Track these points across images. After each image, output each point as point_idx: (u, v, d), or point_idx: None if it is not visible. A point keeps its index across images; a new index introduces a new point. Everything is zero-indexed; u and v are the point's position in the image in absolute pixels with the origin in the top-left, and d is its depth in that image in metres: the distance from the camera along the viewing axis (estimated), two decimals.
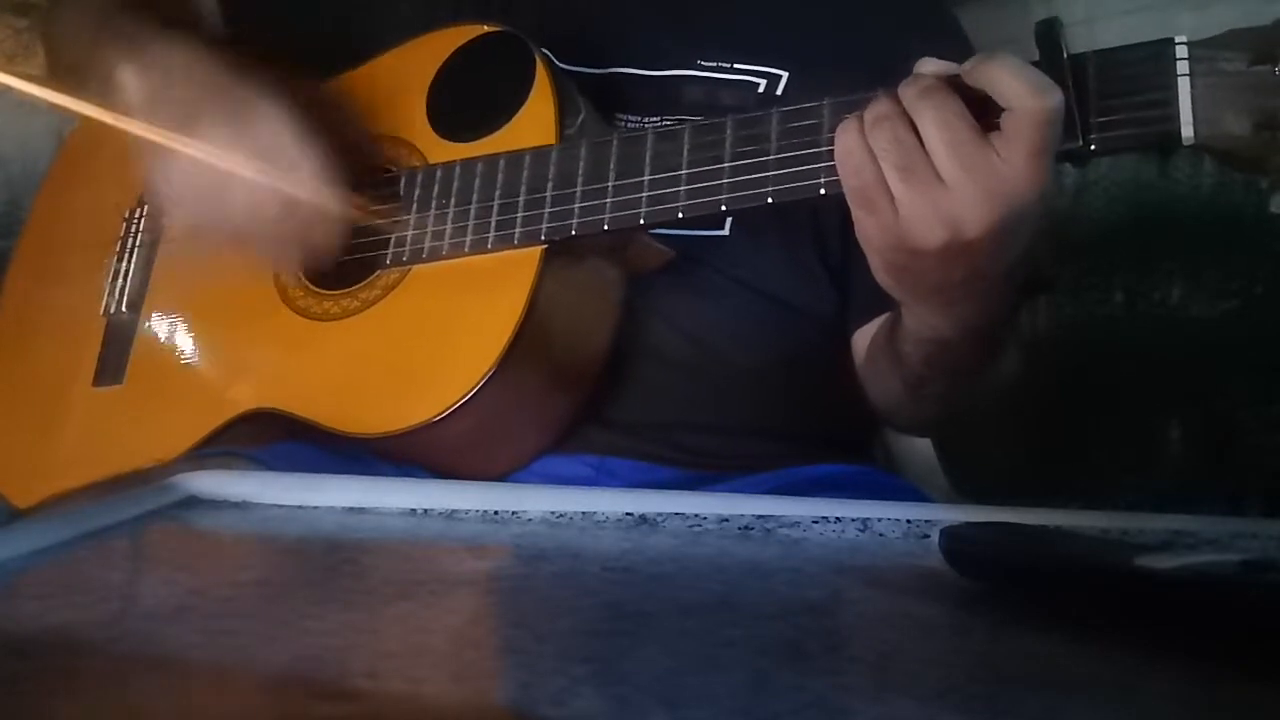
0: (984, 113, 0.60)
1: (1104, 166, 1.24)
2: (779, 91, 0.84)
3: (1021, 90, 0.59)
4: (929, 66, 0.63)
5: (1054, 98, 0.59)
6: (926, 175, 0.60)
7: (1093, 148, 0.62)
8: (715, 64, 0.86)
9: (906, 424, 0.93)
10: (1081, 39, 0.64)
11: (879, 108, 0.61)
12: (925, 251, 0.62)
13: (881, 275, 0.66)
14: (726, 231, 0.83)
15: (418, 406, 0.73)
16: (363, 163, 0.81)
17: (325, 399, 0.77)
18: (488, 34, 0.81)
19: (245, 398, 0.80)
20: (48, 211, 0.99)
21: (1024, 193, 0.60)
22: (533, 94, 0.78)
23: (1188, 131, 0.60)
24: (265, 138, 0.74)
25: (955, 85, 0.61)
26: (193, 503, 0.60)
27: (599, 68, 0.86)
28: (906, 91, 0.61)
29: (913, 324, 0.72)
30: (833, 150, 0.64)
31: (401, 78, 0.84)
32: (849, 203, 0.63)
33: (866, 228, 0.63)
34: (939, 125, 0.60)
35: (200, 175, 0.75)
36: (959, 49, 0.84)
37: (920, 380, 0.77)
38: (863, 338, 0.86)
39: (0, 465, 0.88)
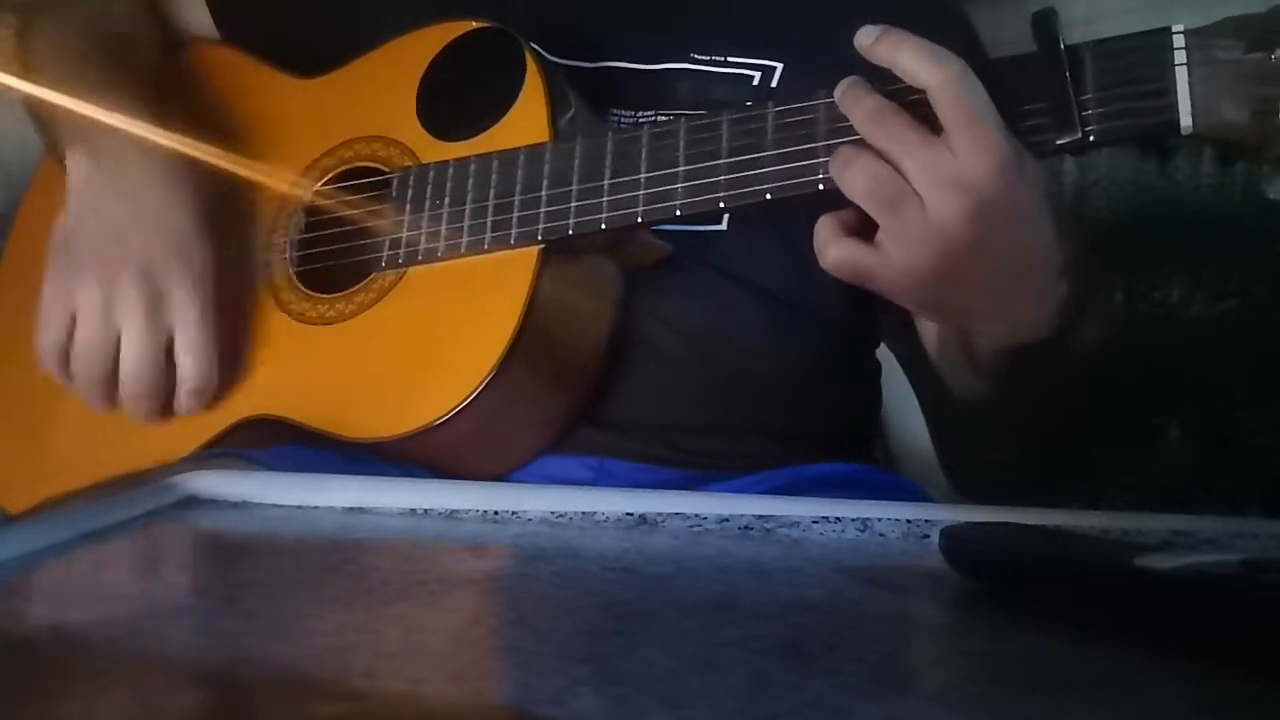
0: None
1: (1104, 166, 1.24)
2: (774, 84, 0.84)
3: (921, 68, 0.61)
4: (866, 37, 0.64)
5: (951, 64, 0.61)
6: (908, 198, 0.61)
7: (1091, 138, 0.62)
8: (709, 57, 0.85)
9: (993, 407, 0.93)
10: (1081, 38, 0.64)
11: (842, 154, 0.63)
12: (928, 278, 0.63)
13: (919, 312, 0.70)
14: (724, 227, 0.83)
15: (418, 410, 0.72)
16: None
17: (324, 404, 0.77)
18: (477, 30, 0.80)
19: (242, 405, 0.79)
20: (36, 212, 0.98)
21: (979, 174, 0.61)
22: (524, 91, 0.77)
23: (1186, 120, 0.60)
24: (165, 312, 0.77)
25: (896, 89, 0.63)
26: (193, 503, 0.60)
27: (592, 62, 0.85)
28: (855, 113, 0.63)
29: (981, 340, 0.72)
30: (830, 144, 0.66)
31: (390, 76, 0.83)
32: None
33: (877, 288, 0.65)
34: (890, 142, 0.62)
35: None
36: (962, 38, 0.84)
37: (1009, 374, 0.76)
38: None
39: None
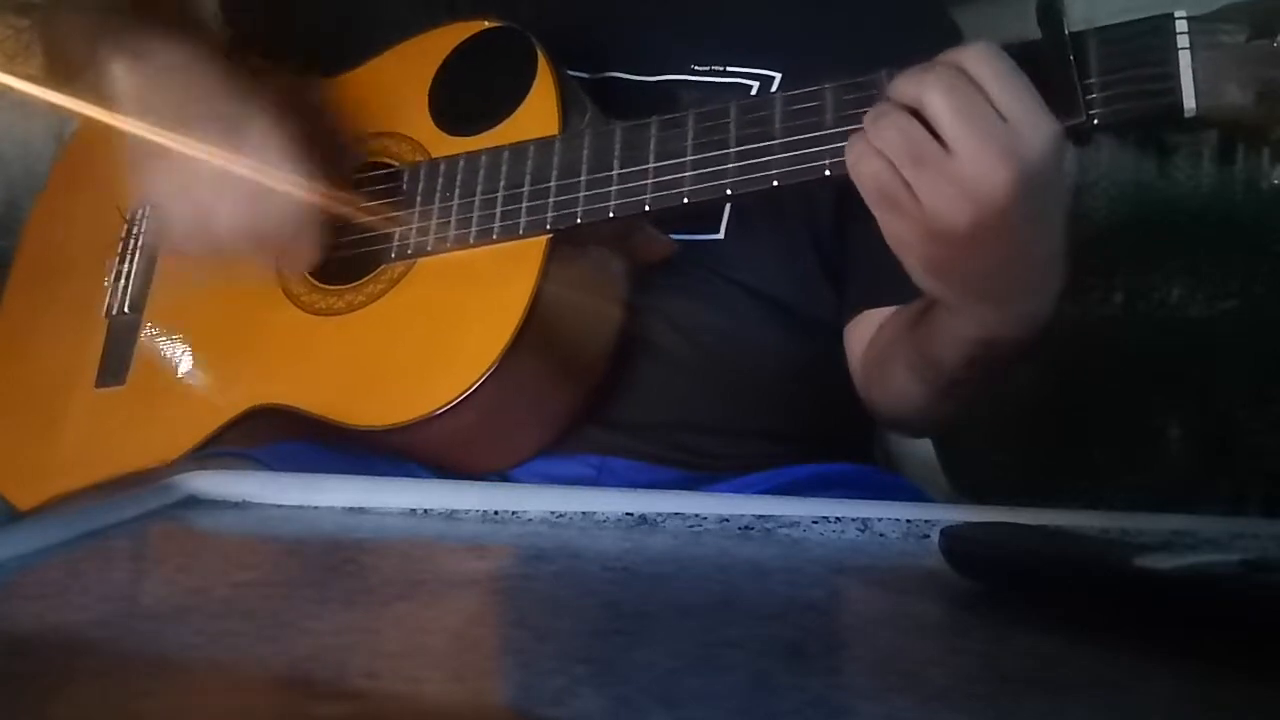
0: None
1: (1104, 166, 1.24)
2: (772, 93, 0.84)
3: (956, 53, 0.61)
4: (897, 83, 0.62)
5: (980, 42, 0.61)
6: (938, 156, 0.60)
7: (1095, 121, 0.62)
8: (709, 68, 0.86)
9: (913, 426, 0.92)
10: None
11: (877, 108, 0.62)
12: (957, 235, 0.61)
13: (926, 280, 0.66)
14: (721, 235, 0.83)
15: (424, 398, 0.73)
16: (351, 165, 0.81)
17: (331, 393, 0.77)
18: (489, 29, 0.81)
19: (250, 395, 0.80)
20: (50, 213, 0.99)
21: (1035, 146, 0.59)
22: (535, 87, 0.78)
23: (1190, 102, 0.61)
24: (253, 145, 0.75)
25: None
26: (193, 503, 0.60)
27: (593, 73, 0.86)
28: (902, 80, 0.61)
29: (963, 326, 0.70)
30: (837, 132, 0.65)
31: (403, 75, 0.84)
32: (873, 210, 0.63)
33: (895, 229, 0.63)
34: (944, 93, 0.59)
35: (188, 179, 0.75)
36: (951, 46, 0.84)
37: (955, 383, 0.75)
38: (854, 334, 0.85)
39: (1, 467, 0.88)
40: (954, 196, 0.60)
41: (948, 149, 0.59)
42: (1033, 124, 0.60)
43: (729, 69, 0.86)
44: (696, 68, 0.86)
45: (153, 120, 0.76)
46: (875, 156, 0.61)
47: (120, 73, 0.78)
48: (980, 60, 0.60)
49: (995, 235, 0.61)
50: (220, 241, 0.76)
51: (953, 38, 0.88)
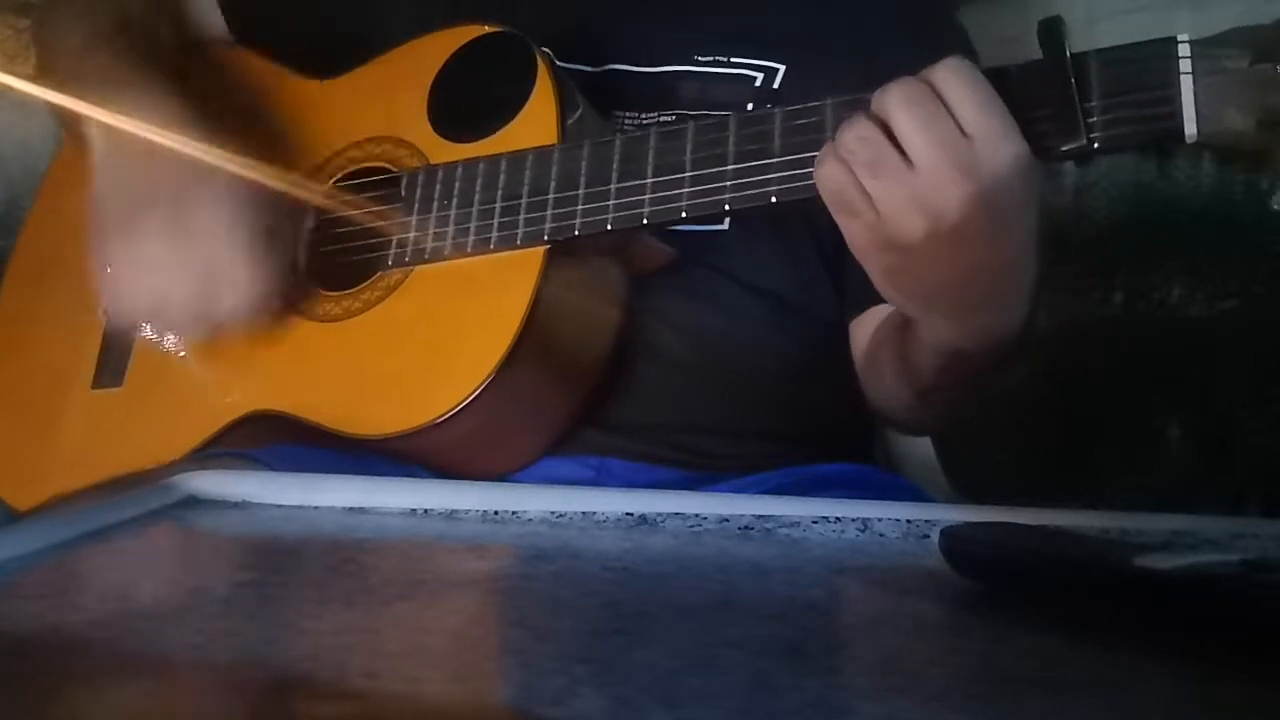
0: None
1: (1104, 166, 1.24)
2: (776, 85, 0.84)
3: (933, 68, 0.61)
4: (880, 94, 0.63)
5: (957, 58, 0.61)
6: (896, 165, 0.60)
7: (1096, 145, 0.62)
8: (712, 58, 0.86)
9: (906, 425, 0.93)
10: (1082, 40, 0.64)
11: (850, 119, 0.62)
12: (911, 246, 0.61)
13: (884, 287, 0.66)
14: (725, 226, 0.83)
15: (420, 408, 0.73)
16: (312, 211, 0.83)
17: (328, 401, 0.77)
18: (488, 34, 0.81)
19: (247, 400, 0.80)
20: (47, 212, 0.99)
21: (996, 164, 0.60)
22: (534, 94, 0.78)
23: (1190, 129, 0.60)
24: (204, 248, 0.75)
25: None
26: (193, 503, 0.60)
27: (595, 65, 0.86)
28: (877, 93, 0.62)
29: (929, 336, 0.71)
30: None
31: (402, 79, 0.84)
32: (833, 214, 0.64)
33: (853, 234, 0.64)
34: (906, 105, 0.60)
35: (139, 269, 0.77)
36: (956, 42, 0.85)
37: (932, 389, 0.76)
38: (859, 330, 0.86)
39: None
40: (909, 208, 0.60)
41: (908, 161, 0.60)
42: (996, 142, 0.60)
43: (732, 60, 0.86)
44: (699, 58, 0.86)
45: (112, 213, 0.78)
46: (836, 162, 0.62)
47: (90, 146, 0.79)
48: (949, 76, 0.61)
49: (950, 249, 0.61)
50: (177, 324, 0.79)
51: (955, 32, 0.88)
